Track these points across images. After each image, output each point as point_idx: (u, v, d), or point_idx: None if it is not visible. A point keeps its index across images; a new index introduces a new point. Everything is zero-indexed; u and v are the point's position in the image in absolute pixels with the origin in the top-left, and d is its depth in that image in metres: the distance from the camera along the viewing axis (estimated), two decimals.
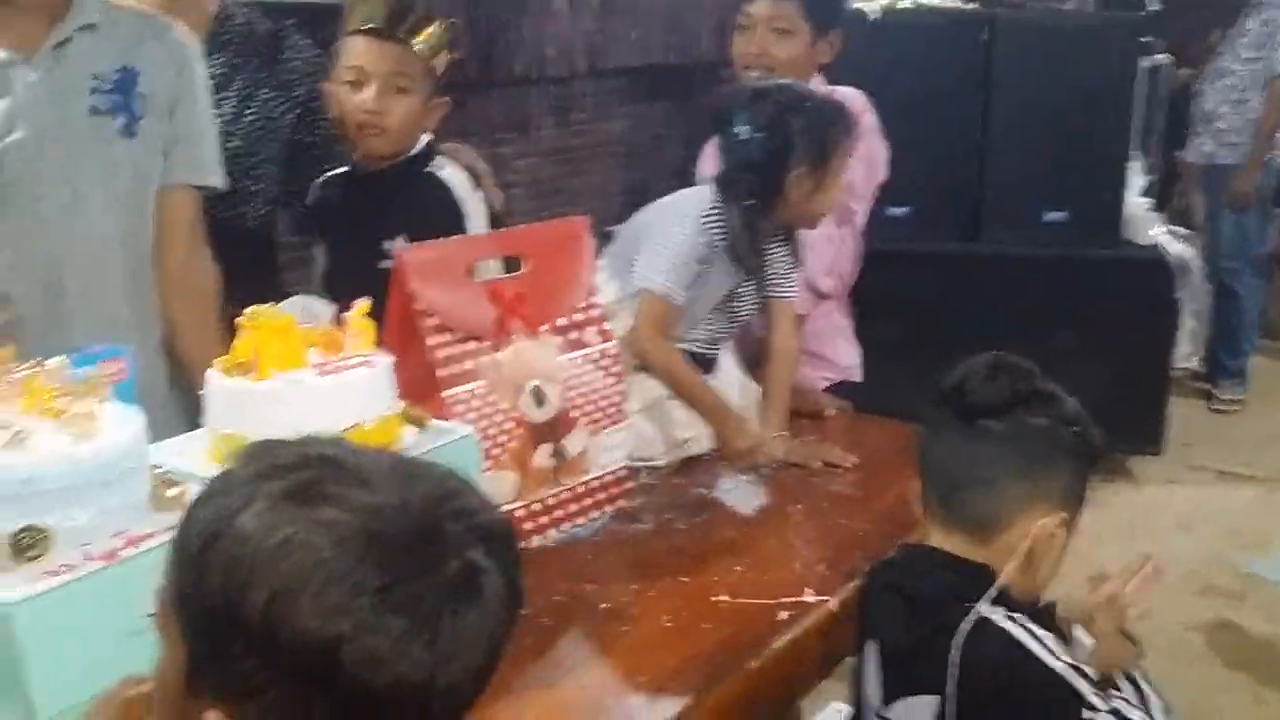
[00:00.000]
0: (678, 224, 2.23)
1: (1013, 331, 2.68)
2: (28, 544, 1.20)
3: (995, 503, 1.48)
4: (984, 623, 1.39)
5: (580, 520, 1.90)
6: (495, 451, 1.77)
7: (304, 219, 2.44)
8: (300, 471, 0.90)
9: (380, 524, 0.87)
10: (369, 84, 2.19)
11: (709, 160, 2.76)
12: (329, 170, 2.38)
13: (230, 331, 1.58)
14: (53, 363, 1.34)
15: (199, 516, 0.92)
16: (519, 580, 0.93)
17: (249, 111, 2.39)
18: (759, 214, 2.24)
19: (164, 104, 2.06)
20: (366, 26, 2.19)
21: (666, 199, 2.37)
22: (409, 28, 2.18)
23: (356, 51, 2.21)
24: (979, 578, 1.43)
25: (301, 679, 0.85)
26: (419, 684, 0.86)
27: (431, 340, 1.73)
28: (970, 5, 4.75)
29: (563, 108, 4.57)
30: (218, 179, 2.16)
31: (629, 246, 2.27)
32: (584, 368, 1.91)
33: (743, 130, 2.22)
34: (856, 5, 4.21)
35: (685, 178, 2.82)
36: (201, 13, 2.34)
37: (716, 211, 2.23)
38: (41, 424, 1.26)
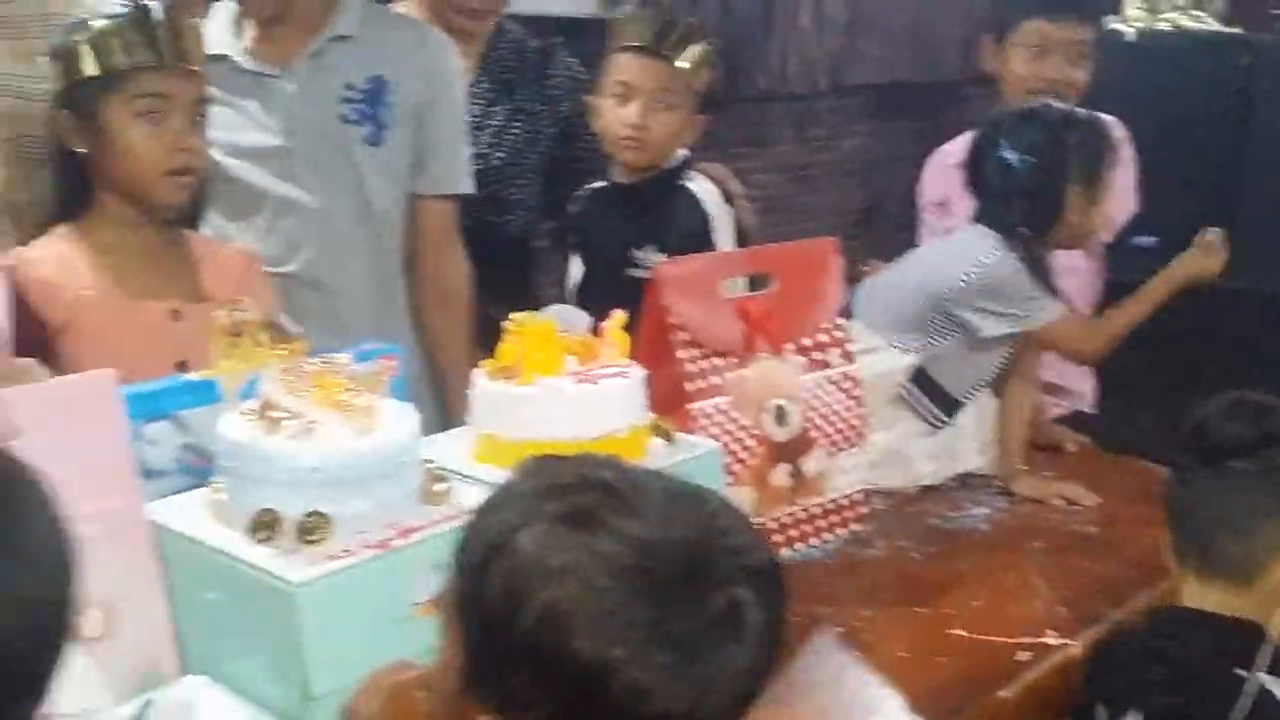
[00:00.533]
0: (977, 267, 2.15)
1: (1263, 368, 2.55)
2: (311, 528, 1.29)
3: (1250, 546, 1.43)
4: (1267, 697, 1.33)
5: (814, 541, 1.90)
6: (735, 468, 1.79)
7: (562, 229, 2.52)
8: (578, 495, 0.94)
9: (653, 560, 0.89)
10: (634, 99, 2.26)
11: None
12: (588, 183, 2.46)
13: (486, 333, 1.65)
14: (340, 358, 1.42)
15: (481, 527, 0.96)
16: (782, 618, 0.95)
17: (515, 124, 2.50)
18: (1037, 239, 2.19)
19: (414, 113, 2.18)
20: (635, 44, 2.26)
21: (925, 250, 2.34)
22: (674, 46, 2.25)
23: (623, 67, 2.28)
24: (1244, 635, 1.37)
25: (570, 699, 0.88)
26: (680, 715, 0.88)
27: (682, 354, 1.76)
28: (1231, 29, 4.54)
29: (802, 124, 4.58)
30: (468, 185, 2.26)
31: (888, 296, 2.24)
32: (825, 389, 1.91)
33: (1012, 155, 2.17)
34: (1113, 25, 4.08)
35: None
36: (475, 29, 2.45)
37: (1003, 242, 2.17)
38: (328, 416, 1.34)
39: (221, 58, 2.04)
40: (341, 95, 2.13)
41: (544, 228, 2.64)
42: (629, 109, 2.27)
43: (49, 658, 0.85)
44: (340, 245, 2.16)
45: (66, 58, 1.76)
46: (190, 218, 1.88)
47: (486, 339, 2.40)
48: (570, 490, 0.94)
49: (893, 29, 4.70)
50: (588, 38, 2.61)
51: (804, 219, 4.34)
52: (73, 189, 1.81)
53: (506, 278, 2.37)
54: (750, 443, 1.81)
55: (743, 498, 1.80)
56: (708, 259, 1.93)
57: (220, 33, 2.09)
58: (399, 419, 1.40)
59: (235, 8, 2.16)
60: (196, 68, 1.81)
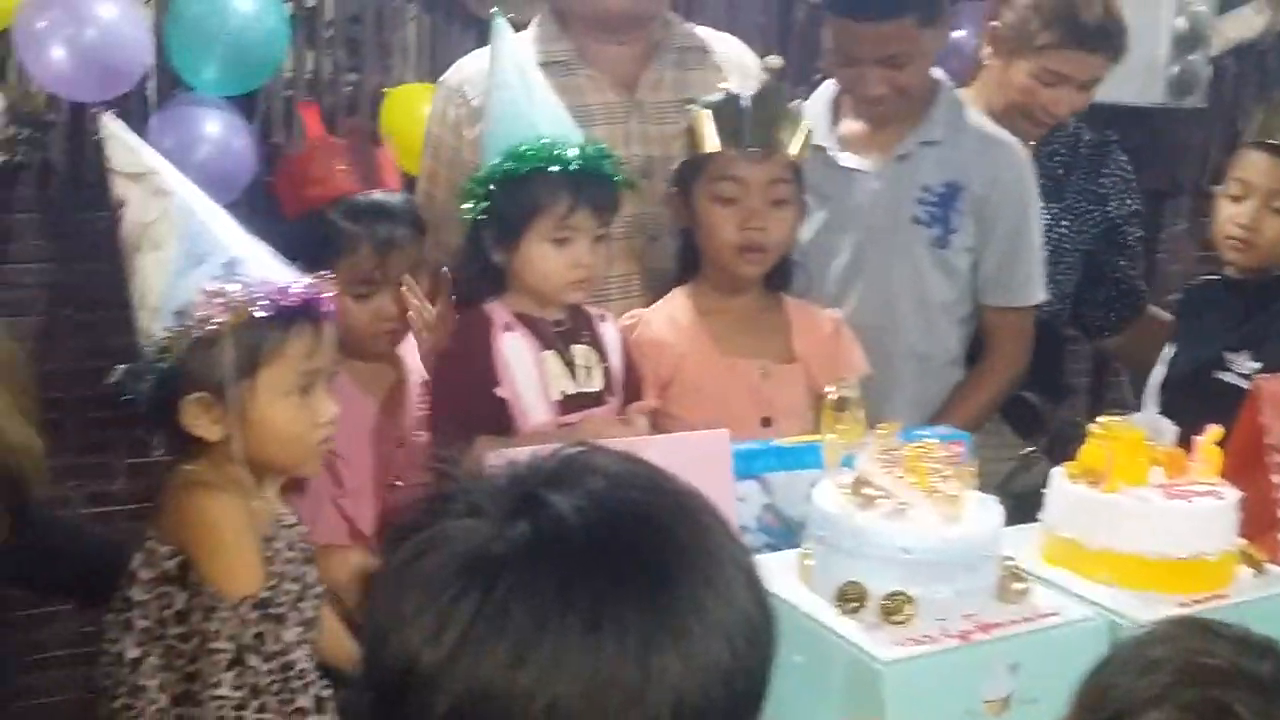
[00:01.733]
0: None
1: None
2: (895, 608, 1.32)
3: None
4: None
5: None
6: None
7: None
8: (1222, 689, 0.87)
9: None
10: (1249, 198, 2.16)
11: None
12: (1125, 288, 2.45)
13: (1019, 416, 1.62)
14: (932, 442, 1.46)
15: (1107, 683, 0.93)
16: None
17: (1063, 223, 2.48)
18: None
19: (985, 221, 2.19)
20: (1267, 140, 2.16)
21: None
22: None
23: (1247, 165, 2.19)
24: None
25: None
26: None
27: (1277, 478, 1.65)
28: None
29: None
30: (1040, 294, 2.26)
31: None
32: None
33: None
34: None
35: None
36: (1038, 124, 2.43)
37: None
38: (919, 499, 1.38)
39: (818, 149, 2.16)
40: (917, 197, 2.19)
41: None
42: (1242, 207, 2.17)
43: None
44: (897, 340, 2.22)
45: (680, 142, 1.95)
46: (781, 284, 2.00)
47: (1020, 422, 2.40)
48: (1215, 681, 0.87)
49: None
50: (1146, 129, 2.53)
51: None
52: (684, 258, 1.99)
53: (1039, 363, 2.34)
54: None
55: None
56: None
57: (816, 120, 2.21)
58: (984, 510, 1.41)
59: (831, 98, 2.27)
60: (779, 152, 1.93)
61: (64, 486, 2.70)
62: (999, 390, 2.28)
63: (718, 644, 0.73)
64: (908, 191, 2.21)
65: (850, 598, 1.34)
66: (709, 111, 1.91)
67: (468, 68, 2.07)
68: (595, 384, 1.83)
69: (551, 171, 1.73)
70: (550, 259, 1.76)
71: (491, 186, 1.75)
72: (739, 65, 2.22)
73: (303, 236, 1.77)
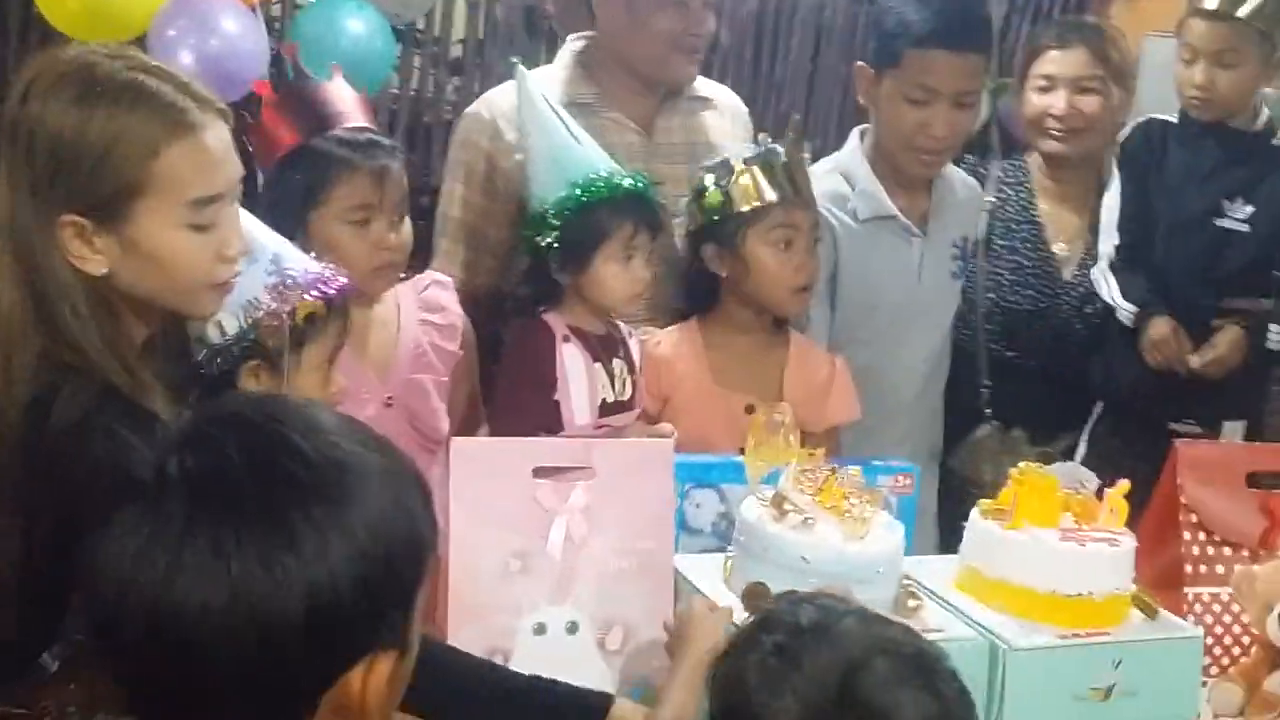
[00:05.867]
0: None
1: None
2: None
3: None
4: None
5: None
6: (1224, 661, 1.78)
7: None
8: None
9: None
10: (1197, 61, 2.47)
11: None
12: None
13: None
14: (853, 470, 1.65)
15: None
16: None
17: None
18: None
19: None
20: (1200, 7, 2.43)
21: None
22: None
23: (1189, 31, 2.51)
24: None
25: None
26: None
27: (1188, 535, 1.80)
28: None
29: None
30: None
31: None
32: None
33: None
34: None
35: None
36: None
37: None
38: (827, 518, 1.57)
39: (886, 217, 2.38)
40: (951, 254, 2.45)
41: None
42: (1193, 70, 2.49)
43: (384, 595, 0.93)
44: (913, 367, 2.44)
45: (717, 196, 2.12)
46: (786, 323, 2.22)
47: None
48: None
49: None
50: None
51: None
52: (701, 296, 2.20)
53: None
54: (1246, 640, 1.79)
55: (1228, 696, 1.78)
56: (1238, 448, 1.93)
57: (858, 178, 2.41)
58: (888, 532, 1.60)
59: (866, 157, 2.42)
60: (810, 201, 2.16)
61: None
62: None
63: (338, 547, 0.88)
64: (946, 249, 2.42)
65: (754, 595, 1.54)
66: (758, 166, 2.11)
67: (499, 104, 2.29)
68: (627, 393, 2.07)
69: (617, 200, 1.97)
70: (619, 276, 1.99)
71: (557, 217, 1.96)
72: (735, 112, 2.47)
73: (291, 171, 1.90)
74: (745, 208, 2.11)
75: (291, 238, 1.77)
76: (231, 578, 0.87)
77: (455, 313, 2.11)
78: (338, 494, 0.91)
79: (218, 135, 1.43)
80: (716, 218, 2.12)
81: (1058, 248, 2.67)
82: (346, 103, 1.99)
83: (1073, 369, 2.64)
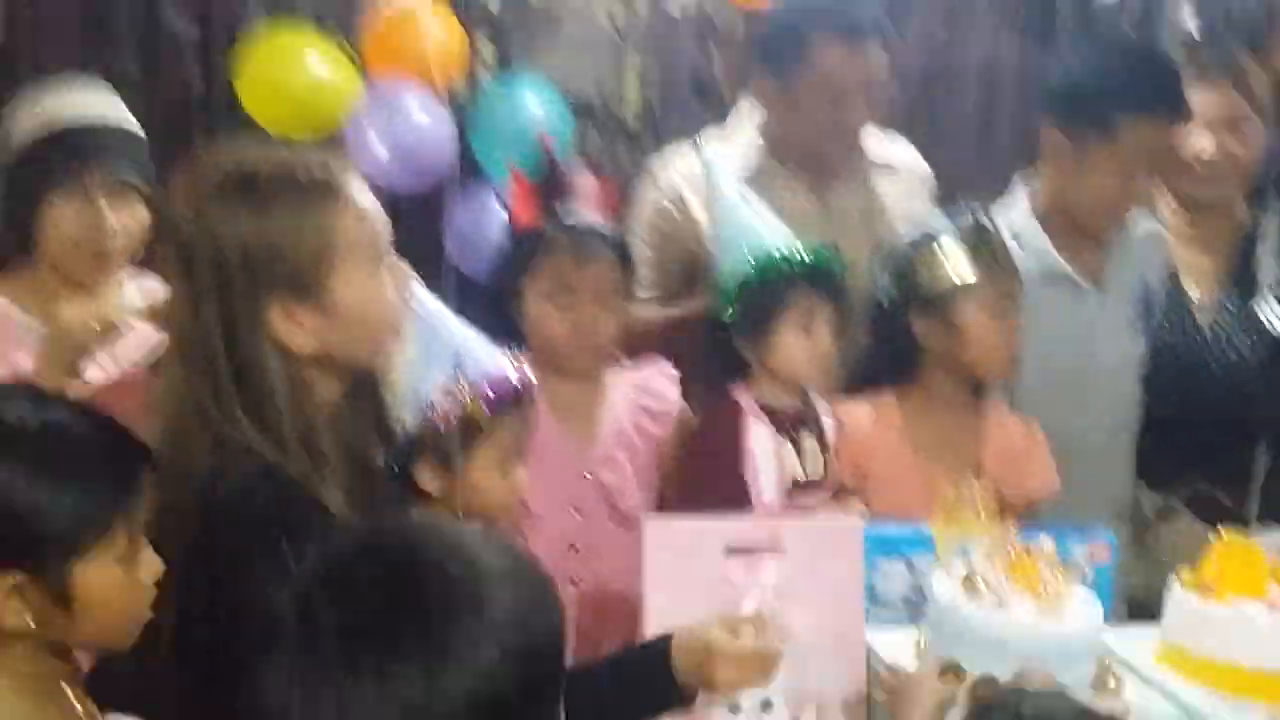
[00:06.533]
0: None
1: None
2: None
3: None
4: None
5: None
6: None
7: None
8: None
9: None
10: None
11: None
12: None
13: None
14: (1045, 543, 1.63)
15: None
16: None
17: None
18: None
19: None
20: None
21: None
22: None
23: None
24: None
25: None
26: None
27: None
28: None
29: None
30: None
31: None
32: None
33: None
34: None
35: None
36: None
37: None
38: (1022, 595, 1.56)
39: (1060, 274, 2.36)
40: (1135, 308, 2.41)
41: None
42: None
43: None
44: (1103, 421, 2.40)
45: (927, 271, 2.11)
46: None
47: None
48: None
49: None
50: None
51: None
52: (903, 366, 2.17)
53: None
54: None
55: None
56: None
57: (1031, 236, 2.37)
58: (1084, 608, 1.58)
59: (1039, 214, 2.39)
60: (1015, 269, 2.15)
61: None
62: None
63: (488, 649, 0.98)
64: (1124, 300, 2.38)
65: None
66: (966, 241, 2.10)
67: (680, 170, 2.39)
68: (818, 472, 2.07)
69: (795, 273, 2.01)
70: (797, 345, 2.03)
71: (738, 290, 2.02)
72: (917, 175, 2.49)
73: (516, 245, 2.12)
74: (959, 282, 2.09)
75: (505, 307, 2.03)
76: (401, 700, 0.97)
77: (672, 400, 2.16)
78: (479, 603, 1.00)
79: (354, 185, 1.50)
80: (926, 292, 2.11)
81: (1194, 294, 2.51)
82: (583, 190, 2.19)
83: (1226, 418, 2.48)
